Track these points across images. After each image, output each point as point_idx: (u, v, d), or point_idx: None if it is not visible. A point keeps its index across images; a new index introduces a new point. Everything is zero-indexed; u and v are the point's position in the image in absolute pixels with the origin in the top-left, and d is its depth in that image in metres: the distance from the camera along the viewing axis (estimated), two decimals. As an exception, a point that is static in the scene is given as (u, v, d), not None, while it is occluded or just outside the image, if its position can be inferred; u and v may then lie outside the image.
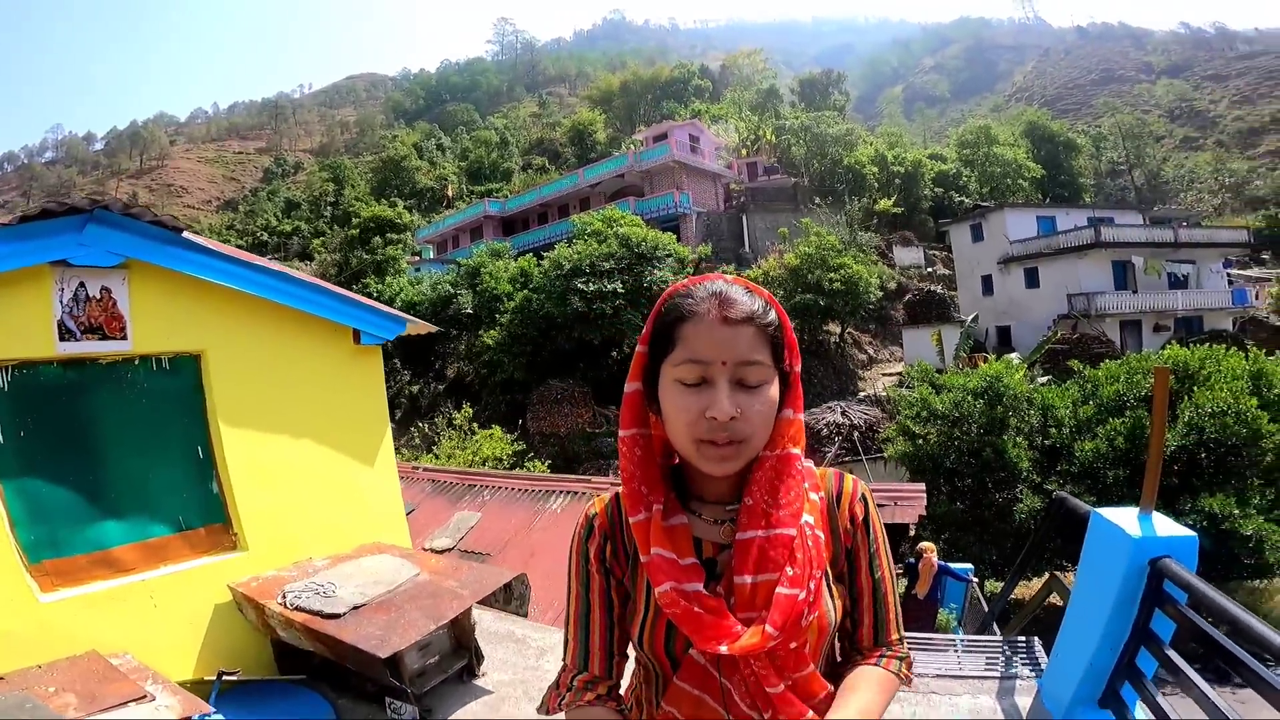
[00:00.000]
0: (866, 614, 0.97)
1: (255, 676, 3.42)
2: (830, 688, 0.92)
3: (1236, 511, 8.12)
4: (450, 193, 51.49)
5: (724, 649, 0.83)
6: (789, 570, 0.85)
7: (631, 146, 35.78)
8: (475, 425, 14.98)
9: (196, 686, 3.01)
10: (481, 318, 21.99)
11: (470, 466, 13.10)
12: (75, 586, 3.01)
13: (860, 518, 0.96)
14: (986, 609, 7.05)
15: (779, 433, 0.90)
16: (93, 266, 2.84)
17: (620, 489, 0.97)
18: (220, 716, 2.76)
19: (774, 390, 0.86)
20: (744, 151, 39.66)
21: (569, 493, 7.46)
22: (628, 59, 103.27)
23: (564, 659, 1.02)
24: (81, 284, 2.83)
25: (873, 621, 0.97)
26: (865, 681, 0.92)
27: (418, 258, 35.15)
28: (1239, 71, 74.12)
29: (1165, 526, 2.42)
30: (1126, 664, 2.43)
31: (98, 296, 2.88)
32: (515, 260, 24.10)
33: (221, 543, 3.52)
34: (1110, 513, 2.58)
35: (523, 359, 21.25)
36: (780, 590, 0.84)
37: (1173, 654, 2.23)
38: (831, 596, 0.92)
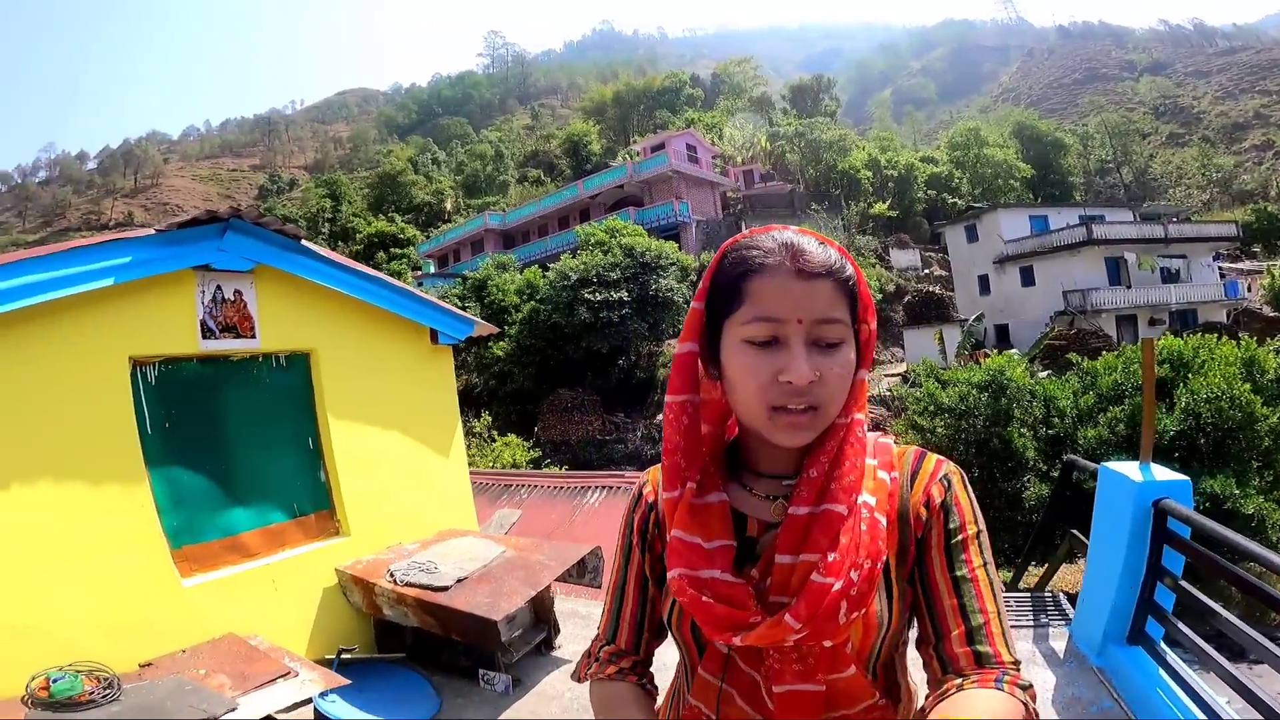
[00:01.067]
0: (952, 620, 0.77)
1: (364, 655, 3.68)
2: (881, 699, 0.82)
3: (1237, 492, 8.46)
4: (449, 206, 51.83)
5: (737, 640, 0.76)
6: (830, 555, 0.74)
7: (629, 157, 36.23)
8: (494, 433, 15.24)
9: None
10: (489, 329, 22.28)
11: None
12: (211, 571, 3.27)
13: (938, 501, 0.81)
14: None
15: (853, 398, 0.81)
16: (229, 271, 3.16)
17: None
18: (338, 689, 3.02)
19: (852, 351, 0.78)
20: (739, 159, 40.23)
21: (605, 488, 7.74)
22: (619, 69, 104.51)
23: (598, 627, 1.01)
24: (219, 286, 3.15)
25: (965, 632, 0.76)
26: (976, 704, 0.70)
27: (419, 272, 35.43)
28: (1220, 68, 75.60)
29: (1163, 473, 2.79)
30: (1147, 599, 2.75)
31: (232, 299, 3.20)
32: (521, 272, 24.41)
33: (327, 529, 3.81)
34: (1116, 465, 2.97)
35: (532, 369, 21.53)
36: (814, 577, 0.74)
37: (1185, 584, 2.57)
38: (890, 594, 0.80)
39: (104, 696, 2.52)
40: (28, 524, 2.68)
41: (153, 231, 2.92)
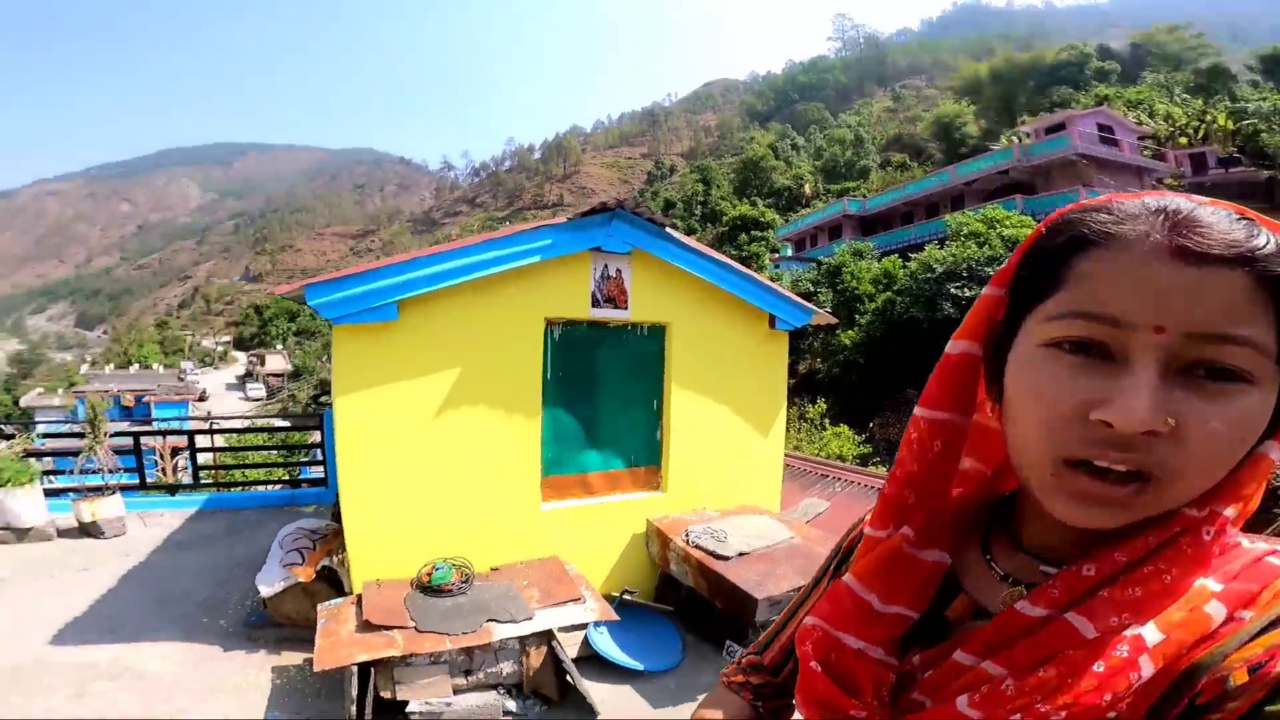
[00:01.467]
0: None
1: (641, 600, 4.13)
2: None
3: None
4: (808, 191, 52.20)
5: None
6: (1006, 683, 0.49)
7: (1015, 139, 31.41)
8: (826, 421, 15.14)
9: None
10: (839, 317, 21.95)
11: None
12: (562, 500, 4.03)
13: (1276, 674, 0.44)
14: None
15: (1233, 481, 0.48)
16: (614, 252, 3.83)
17: None
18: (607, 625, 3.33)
19: (1262, 401, 0.45)
20: (1184, 140, 31.52)
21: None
22: (994, 44, 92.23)
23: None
24: (606, 265, 3.86)
25: None
26: None
27: (776, 254, 36.60)
28: None
29: None
30: None
31: (613, 275, 3.89)
32: (879, 261, 23.35)
33: (651, 482, 4.38)
34: None
35: (879, 362, 20.60)
36: (958, 702, 0.50)
37: None
38: None
39: (459, 590, 3.34)
40: (460, 442, 3.64)
41: (565, 220, 3.70)
